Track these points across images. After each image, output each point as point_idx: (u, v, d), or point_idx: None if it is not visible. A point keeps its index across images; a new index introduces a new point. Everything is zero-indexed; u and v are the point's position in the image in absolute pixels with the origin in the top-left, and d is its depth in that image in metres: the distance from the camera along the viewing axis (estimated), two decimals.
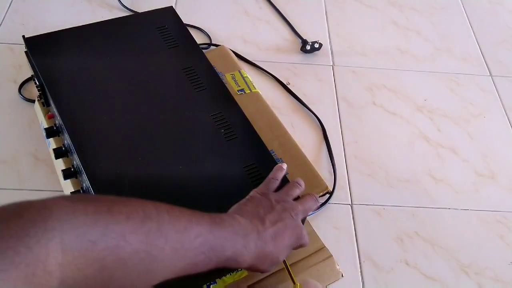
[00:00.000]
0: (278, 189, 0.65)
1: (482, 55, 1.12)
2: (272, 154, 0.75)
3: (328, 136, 0.91)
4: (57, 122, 0.74)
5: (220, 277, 0.67)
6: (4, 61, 0.97)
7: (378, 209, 0.83)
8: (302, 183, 0.67)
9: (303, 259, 0.71)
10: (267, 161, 0.69)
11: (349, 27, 1.13)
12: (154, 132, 0.70)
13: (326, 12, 1.16)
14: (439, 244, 0.80)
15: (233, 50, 1.01)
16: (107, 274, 0.42)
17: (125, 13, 1.08)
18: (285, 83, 0.99)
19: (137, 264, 0.44)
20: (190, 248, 0.49)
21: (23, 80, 0.92)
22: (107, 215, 0.42)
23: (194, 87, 0.76)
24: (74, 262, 0.39)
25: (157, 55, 0.80)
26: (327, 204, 0.82)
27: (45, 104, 0.79)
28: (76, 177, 0.71)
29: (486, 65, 1.10)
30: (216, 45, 1.03)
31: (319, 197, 0.79)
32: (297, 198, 0.65)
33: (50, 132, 0.75)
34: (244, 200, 0.62)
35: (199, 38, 1.04)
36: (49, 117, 0.79)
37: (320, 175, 0.81)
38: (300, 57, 1.05)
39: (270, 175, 0.66)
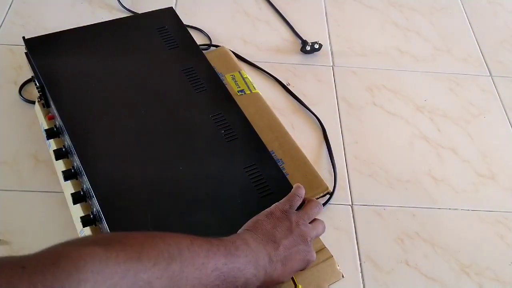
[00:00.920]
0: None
1: (482, 55, 1.12)
2: (272, 155, 0.75)
3: (328, 136, 0.91)
4: (57, 123, 0.74)
5: None
6: (4, 62, 0.97)
7: (379, 209, 0.83)
8: (320, 203, 0.67)
9: None
10: (267, 162, 0.70)
11: (349, 27, 1.13)
12: (154, 133, 0.70)
13: (326, 12, 1.16)
14: (439, 245, 0.80)
15: (233, 50, 1.01)
16: None
17: (125, 14, 1.08)
18: (285, 84, 0.99)
19: None
20: (206, 283, 0.50)
21: (24, 81, 0.92)
22: (137, 263, 0.44)
23: (194, 88, 0.76)
24: None
25: (157, 56, 0.80)
26: (327, 205, 0.82)
27: (45, 105, 0.79)
28: (77, 178, 0.71)
29: (486, 65, 1.10)
30: (216, 46, 1.03)
31: (320, 197, 0.80)
32: (299, 207, 0.65)
33: (51, 133, 0.75)
34: (262, 215, 0.61)
35: (199, 39, 1.04)
36: (50, 118, 0.79)
37: (320, 175, 0.81)
38: (300, 57, 1.05)
39: (294, 191, 0.65)
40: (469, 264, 0.78)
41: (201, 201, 0.64)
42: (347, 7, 1.18)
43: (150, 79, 0.76)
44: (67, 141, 0.69)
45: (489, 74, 1.08)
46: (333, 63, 1.05)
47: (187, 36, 0.84)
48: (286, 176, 0.70)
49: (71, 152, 0.69)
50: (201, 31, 1.06)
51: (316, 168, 0.81)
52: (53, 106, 0.72)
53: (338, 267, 0.71)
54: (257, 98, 0.89)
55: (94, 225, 0.68)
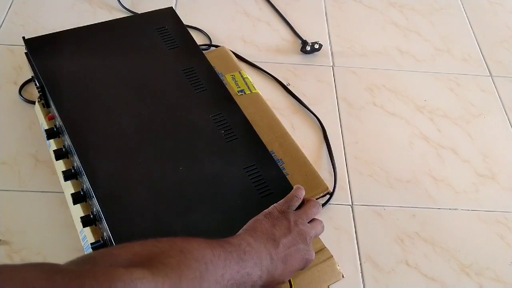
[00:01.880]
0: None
1: (482, 55, 1.12)
2: (273, 155, 0.75)
3: (328, 136, 0.91)
4: (57, 123, 0.74)
5: None
6: (4, 62, 0.97)
7: (379, 209, 0.83)
8: (319, 203, 0.67)
9: None
10: (267, 162, 0.69)
11: (349, 27, 1.13)
12: (154, 133, 0.70)
13: (326, 12, 1.16)
14: (439, 245, 0.80)
15: (233, 51, 1.01)
16: None
17: (125, 14, 1.08)
18: (285, 84, 0.99)
19: None
20: None
21: (24, 81, 0.92)
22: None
23: (194, 88, 0.76)
24: None
25: (157, 56, 0.80)
26: (327, 205, 0.82)
27: (45, 105, 0.79)
28: (77, 179, 0.71)
29: (486, 65, 1.10)
30: (216, 46, 1.03)
31: (320, 197, 0.80)
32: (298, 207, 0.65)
33: (51, 134, 0.75)
34: (261, 215, 0.61)
35: (199, 39, 1.04)
36: (50, 118, 0.79)
37: (320, 175, 0.81)
38: (300, 57, 1.05)
39: (293, 192, 0.65)
40: (469, 264, 0.78)
41: (201, 201, 0.64)
42: (347, 7, 1.18)
43: (150, 79, 0.76)
44: (67, 141, 0.69)
45: (489, 74, 1.08)
46: (333, 63, 1.05)
47: (187, 36, 0.84)
48: (286, 176, 0.70)
49: (71, 152, 0.69)
50: (201, 31, 1.06)
51: (316, 168, 0.81)
52: (53, 106, 0.72)
53: (338, 267, 0.71)
54: (257, 98, 0.89)
55: (94, 225, 0.68)
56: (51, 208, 0.77)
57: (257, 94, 0.90)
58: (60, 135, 0.75)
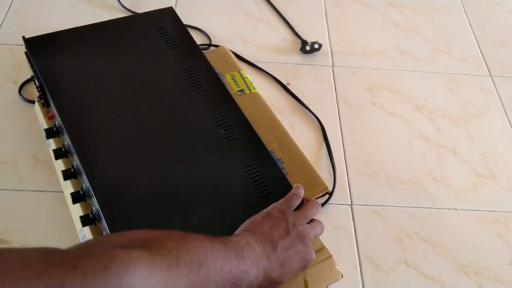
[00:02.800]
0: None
1: (482, 55, 1.12)
2: (272, 155, 0.75)
3: (328, 136, 0.91)
4: (57, 122, 0.74)
5: None
6: (4, 62, 0.97)
7: (378, 209, 0.83)
8: (319, 203, 0.67)
9: None
10: (267, 162, 0.70)
11: (348, 27, 1.13)
12: (154, 133, 0.70)
13: (325, 12, 1.16)
14: (439, 244, 0.80)
15: (233, 50, 1.01)
16: None
17: (125, 14, 1.08)
18: (285, 84, 0.99)
19: None
20: (221, 284, 0.51)
21: (23, 81, 0.92)
22: (177, 270, 0.45)
23: (193, 87, 0.76)
24: None
25: (157, 55, 0.80)
26: (326, 205, 0.82)
27: (45, 104, 0.79)
28: (76, 178, 0.71)
29: (486, 65, 1.10)
30: (216, 46, 1.03)
31: (319, 197, 0.80)
32: (298, 206, 0.65)
33: (50, 133, 0.75)
34: (259, 215, 0.61)
35: (198, 39, 1.04)
36: (49, 117, 0.79)
37: (320, 175, 0.81)
38: (299, 57, 1.05)
39: (293, 191, 0.65)
40: (469, 264, 0.78)
41: (201, 200, 0.64)
42: (347, 7, 1.18)
43: (150, 79, 0.76)
44: (67, 140, 0.69)
45: (488, 74, 1.08)
46: (333, 63, 1.05)
47: (187, 36, 0.84)
48: (286, 175, 0.70)
49: (71, 152, 0.69)
50: (201, 31, 1.06)
51: (315, 168, 0.81)
52: (52, 106, 0.72)
53: (337, 267, 0.71)
54: (256, 98, 0.89)
55: (93, 225, 0.68)
56: (50, 208, 0.77)
57: (257, 94, 0.90)
58: (60, 134, 0.75)
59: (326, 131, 0.92)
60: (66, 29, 0.81)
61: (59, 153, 0.73)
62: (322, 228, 0.66)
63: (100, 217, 0.62)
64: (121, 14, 1.08)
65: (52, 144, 0.79)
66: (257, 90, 0.91)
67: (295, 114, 0.95)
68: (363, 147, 0.91)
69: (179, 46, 0.81)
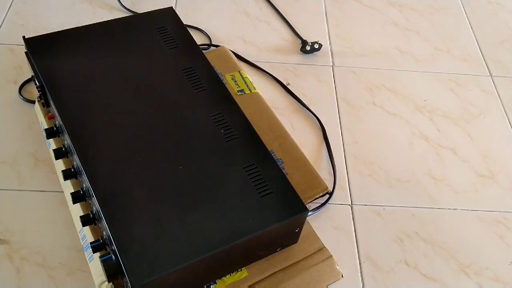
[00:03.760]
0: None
1: (482, 55, 1.12)
2: (272, 155, 0.75)
3: (328, 136, 0.91)
4: (57, 122, 0.74)
5: (220, 278, 0.68)
6: (4, 62, 0.97)
7: (378, 209, 0.83)
8: None
9: (303, 259, 0.71)
10: (267, 162, 0.70)
11: (349, 27, 1.13)
12: (154, 133, 0.70)
13: (326, 12, 1.16)
14: (439, 245, 0.80)
15: (233, 50, 1.01)
16: None
17: (125, 14, 1.08)
18: (285, 84, 0.99)
19: None
20: None
21: (24, 81, 0.92)
22: None
23: (194, 87, 0.76)
24: None
25: (157, 55, 0.80)
26: (326, 205, 0.82)
27: (45, 104, 0.79)
28: (76, 178, 0.71)
29: (486, 65, 1.10)
30: (216, 46, 1.03)
31: (319, 197, 0.80)
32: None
33: (50, 133, 0.76)
34: None
35: (199, 39, 1.04)
36: (50, 117, 0.79)
37: (320, 175, 0.81)
38: (300, 57, 1.05)
39: None
40: (469, 264, 0.78)
41: (201, 200, 0.64)
42: (347, 7, 1.18)
43: (150, 79, 0.76)
44: (67, 140, 0.69)
45: (489, 74, 1.08)
46: (333, 63, 1.05)
47: (187, 36, 0.84)
48: (286, 175, 0.70)
49: (71, 151, 0.69)
50: (201, 31, 1.06)
51: (316, 168, 0.81)
52: (53, 106, 0.72)
53: (337, 267, 0.71)
54: (257, 98, 0.90)
55: (93, 224, 0.68)
56: (50, 207, 0.77)
57: (257, 94, 0.90)
58: (60, 134, 0.75)
59: (326, 131, 0.92)
60: (66, 29, 0.81)
61: (59, 153, 0.73)
62: None
63: (100, 217, 0.62)
64: (121, 14, 1.08)
65: (52, 144, 0.79)
66: (257, 90, 0.91)
67: (295, 114, 0.95)
68: (363, 147, 0.91)
69: (179, 46, 0.81)
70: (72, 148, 0.67)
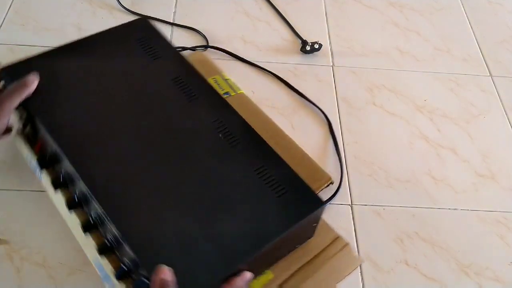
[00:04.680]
0: None
1: (482, 55, 1.12)
2: None
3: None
4: (50, 150, 0.69)
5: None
6: (4, 61, 0.96)
7: (378, 209, 0.83)
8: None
9: (321, 251, 0.71)
10: (275, 161, 0.69)
11: (349, 27, 1.13)
12: (156, 148, 0.68)
13: (326, 12, 1.16)
14: (439, 244, 0.80)
15: (233, 50, 1.01)
16: None
17: (125, 14, 1.08)
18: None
19: None
20: None
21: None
22: None
23: (186, 96, 0.74)
24: None
25: (143, 68, 0.77)
26: (327, 204, 0.82)
27: (31, 135, 0.74)
28: (82, 207, 0.68)
29: (486, 65, 1.10)
30: (213, 47, 1.03)
31: (324, 188, 0.79)
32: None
33: (44, 163, 0.71)
34: None
35: (195, 40, 1.04)
36: (38, 148, 0.73)
37: (321, 167, 0.81)
38: (300, 57, 1.05)
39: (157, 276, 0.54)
40: (469, 264, 0.78)
41: (220, 210, 0.62)
42: (347, 7, 1.18)
43: (141, 93, 0.74)
44: (67, 168, 0.66)
45: (489, 74, 1.08)
46: (333, 63, 1.05)
47: (166, 44, 0.81)
48: None
49: (72, 179, 0.66)
50: (198, 32, 1.06)
51: (321, 163, 0.81)
52: (45, 133, 0.68)
53: (356, 254, 0.71)
54: (243, 99, 0.89)
55: (112, 253, 0.64)
56: (51, 207, 0.77)
57: (242, 95, 0.89)
58: (55, 164, 0.70)
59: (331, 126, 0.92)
60: (41, 53, 0.78)
61: (57, 183, 0.69)
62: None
63: (119, 243, 0.60)
64: (121, 14, 1.08)
65: (45, 176, 0.73)
66: (242, 91, 0.90)
67: (296, 113, 0.95)
68: (363, 147, 0.91)
69: (161, 56, 0.79)
70: (75, 175, 0.64)
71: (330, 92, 0.99)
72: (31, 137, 0.74)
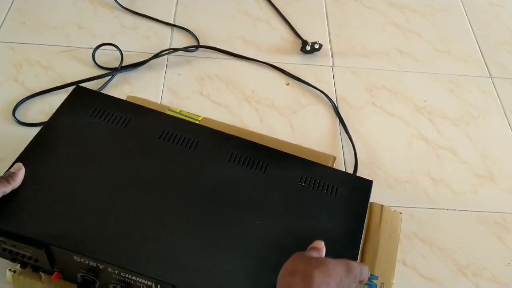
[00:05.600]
0: None
1: (482, 56, 1.12)
2: None
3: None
4: (84, 267, 0.59)
5: None
6: (4, 60, 0.97)
7: None
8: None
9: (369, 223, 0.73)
10: (306, 165, 0.69)
11: (349, 28, 1.13)
12: (194, 204, 0.63)
13: (326, 13, 1.16)
14: (437, 245, 0.80)
15: (233, 50, 1.02)
16: None
17: (125, 14, 1.08)
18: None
19: None
20: None
21: (17, 101, 0.89)
22: None
23: (184, 146, 0.69)
24: None
25: (118, 137, 0.69)
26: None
27: (47, 266, 0.61)
28: None
29: (486, 66, 1.10)
30: (205, 47, 1.02)
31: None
32: None
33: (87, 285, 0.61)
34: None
35: (186, 41, 1.05)
36: (56, 278, 0.62)
37: (323, 151, 0.82)
38: (300, 57, 1.05)
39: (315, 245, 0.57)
40: (467, 264, 0.78)
41: (299, 235, 0.61)
42: (347, 7, 1.18)
43: (139, 167, 0.66)
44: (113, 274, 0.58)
45: (489, 76, 1.08)
46: (333, 63, 1.06)
47: (126, 103, 0.75)
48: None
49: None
50: (189, 32, 1.05)
51: (331, 152, 0.83)
52: (71, 255, 0.57)
53: (392, 209, 0.75)
54: (210, 122, 0.82)
55: None
56: None
57: (206, 119, 0.83)
58: (91, 285, 0.61)
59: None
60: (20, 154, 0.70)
61: None
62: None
63: None
64: (121, 13, 1.08)
65: None
66: (202, 116, 0.84)
67: (296, 113, 0.95)
68: (363, 147, 0.91)
69: (131, 118, 0.71)
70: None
71: (330, 92, 0.99)
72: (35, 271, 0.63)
